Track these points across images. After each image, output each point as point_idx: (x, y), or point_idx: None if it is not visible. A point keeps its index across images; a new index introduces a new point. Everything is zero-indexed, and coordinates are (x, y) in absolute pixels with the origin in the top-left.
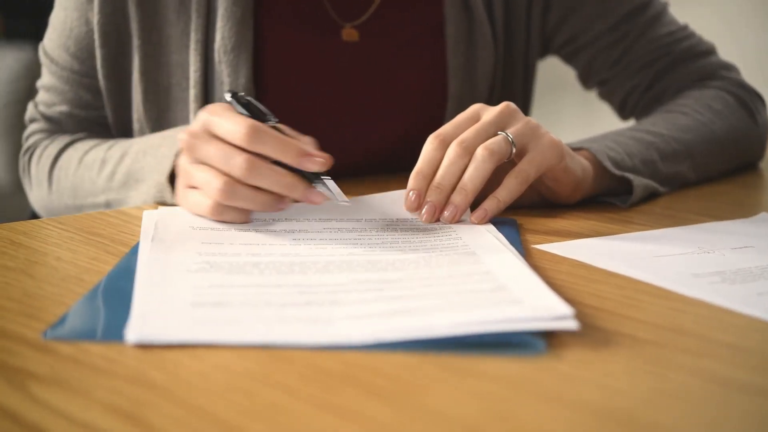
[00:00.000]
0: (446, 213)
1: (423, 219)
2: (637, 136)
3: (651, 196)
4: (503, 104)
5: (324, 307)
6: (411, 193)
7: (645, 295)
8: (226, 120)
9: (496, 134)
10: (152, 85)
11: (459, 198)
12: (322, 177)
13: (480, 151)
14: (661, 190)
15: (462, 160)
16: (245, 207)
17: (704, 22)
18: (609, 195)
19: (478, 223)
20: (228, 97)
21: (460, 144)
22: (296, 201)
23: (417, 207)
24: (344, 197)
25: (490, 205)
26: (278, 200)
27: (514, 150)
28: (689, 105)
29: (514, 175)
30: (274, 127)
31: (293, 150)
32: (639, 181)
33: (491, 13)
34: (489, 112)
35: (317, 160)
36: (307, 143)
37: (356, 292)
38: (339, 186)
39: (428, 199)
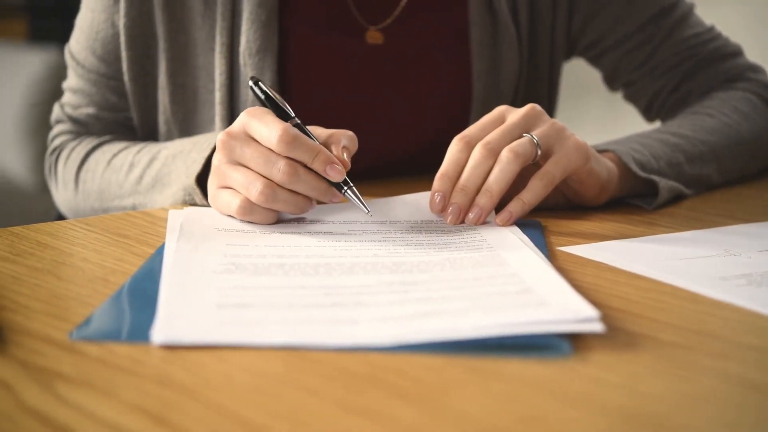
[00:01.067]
0: (471, 215)
1: (448, 221)
2: (662, 138)
3: (676, 198)
4: (529, 106)
5: (349, 309)
6: (436, 195)
7: (671, 298)
8: (263, 123)
9: (521, 136)
10: (179, 88)
11: (484, 200)
12: (345, 188)
13: (505, 153)
14: (687, 192)
15: (487, 162)
16: (282, 209)
17: (730, 23)
18: (634, 197)
19: (503, 225)
20: (251, 83)
21: (486, 146)
22: (320, 203)
23: (442, 209)
24: (365, 207)
25: (515, 206)
26: (310, 203)
27: (539, 152)
28: (715, 107)
29: (539, 177)
30: (298, 126)
31: (322, 159)
32: (664, 183)
33: (516, 16)
34: (514, 114)
35: (338, 169)
36: (342, 139)
37: (381, 294)
38: (361, 191)
39: (453, 201)
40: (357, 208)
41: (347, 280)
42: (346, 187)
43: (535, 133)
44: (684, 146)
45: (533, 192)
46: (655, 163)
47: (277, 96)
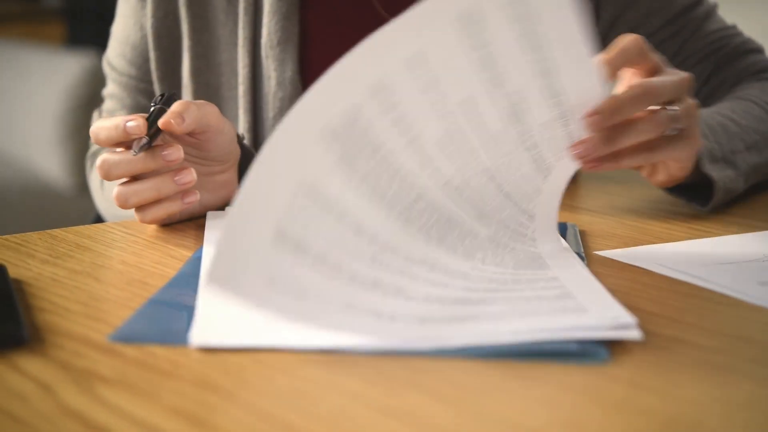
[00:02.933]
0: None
1: (576, 154)
2: (723, 123)
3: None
4: (687, 75)
5: (389, 296)
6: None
7: (709, 303)
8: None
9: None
10: (203, 86)
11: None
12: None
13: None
14: (743, 188)
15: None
16: (145, 200)
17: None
18: (683, 191)
19: (579, 158)
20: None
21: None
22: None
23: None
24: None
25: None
26: (169, 178)
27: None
28: (756, 96)
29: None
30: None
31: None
32: (722, 183)
33: None
34: (674, 77)
35: (132, 125)
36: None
37: (421, 283)
38: None
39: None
40: None
41: (398, 239)
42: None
43: (681, 111)
44: (741, 134)
45: (631, 158)
46: (719, 151)
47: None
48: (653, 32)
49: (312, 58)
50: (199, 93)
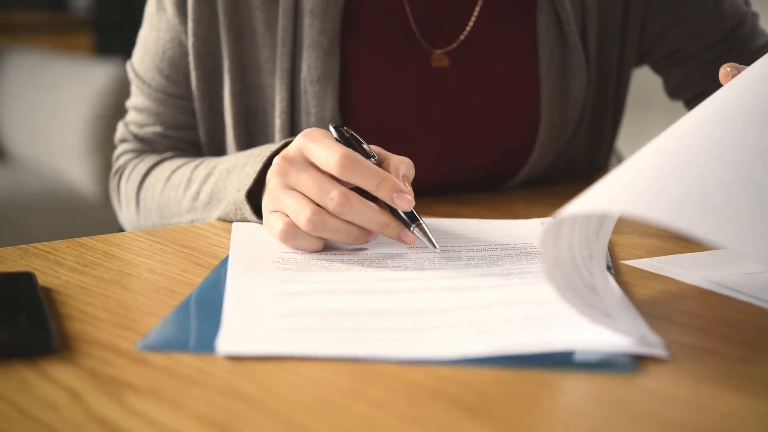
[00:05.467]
0: None
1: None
2: None
3: None
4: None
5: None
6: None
7: (738, 313)
8: (321, 147)
9: None
10: (242, 109)
11: None
12: (414, 224)
13: None
14: None
15: None
16: (333, 238)
17: None
18: None
19: None
20: (330, 127)
21: None
22: None
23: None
24: (436, 244)
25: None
26: (366, 234)
27: None
28: None
29: None
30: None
31: (388, 186)
32: None
33: (585, 36)
34: None
35: (406, 198)
36: (401, 167)
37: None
38: (420, 209)
39: None
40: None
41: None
42: (414, 224)
43: None
44: None
45: None
46: None
47: (356, 136)
48: (701, 52)
49: (353, 93)
50: (239, 116)
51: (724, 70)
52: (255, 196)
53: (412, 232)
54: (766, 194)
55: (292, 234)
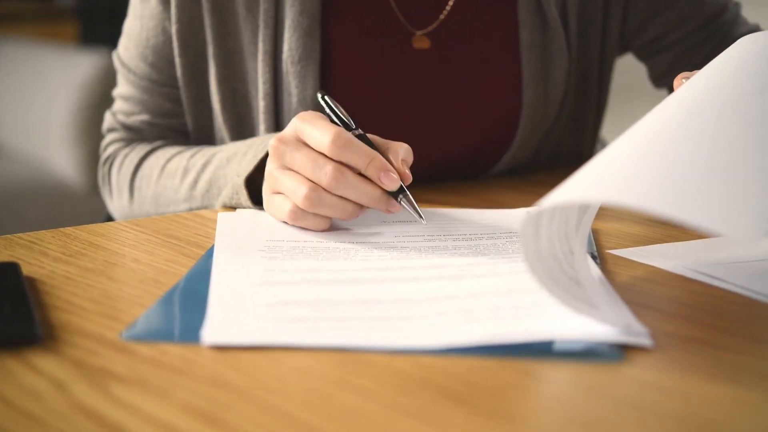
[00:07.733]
0: None
1: None
2: None
3: None
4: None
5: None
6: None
7: (722, 302)
8: (315, 128)
9: None
10: (229, 93)
11: None
12: (400, 195)
13: None
14: None
15: None
16: (329, 215)
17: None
18: None
19: None
20: (318, 96)
21: None
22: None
23: None
24: (420, 216)
25: None
26: (359, 209)
27: None
28: None
29: None
30: (360, 136)
31: (376, 165)
32: None
33: (565, 19)
34: None
35: (393, 177)
36: (400, 150)
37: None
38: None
39: None
40: (409, 218)
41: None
42: (401, 195)
43: None
44: None
45: None
46: None
47: (340, 107)
48: (684, 37)
49: (334, 74)
50: (226, 100)
51: (679, 81)
52: (255, 184)
53: (399, 202)
54: (743, 176)
55: (300, 214)
